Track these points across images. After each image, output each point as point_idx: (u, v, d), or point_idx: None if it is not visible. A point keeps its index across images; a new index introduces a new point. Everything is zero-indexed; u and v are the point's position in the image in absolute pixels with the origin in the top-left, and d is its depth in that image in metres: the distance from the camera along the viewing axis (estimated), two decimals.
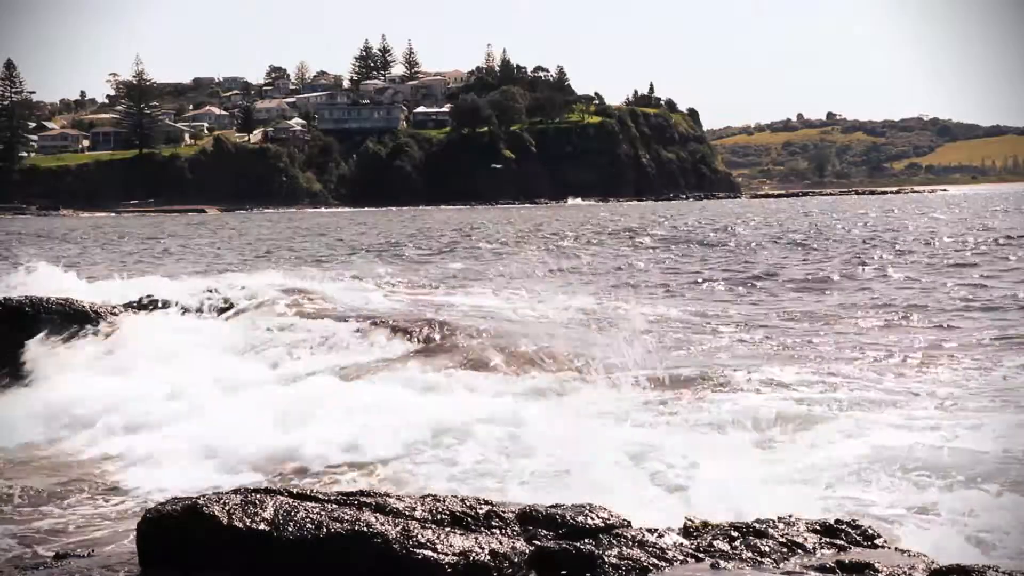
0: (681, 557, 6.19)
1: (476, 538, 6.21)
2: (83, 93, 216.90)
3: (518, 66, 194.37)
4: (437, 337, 14.24)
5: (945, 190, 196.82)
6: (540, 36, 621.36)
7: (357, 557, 6.03)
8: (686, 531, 6.59)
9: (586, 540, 6.22)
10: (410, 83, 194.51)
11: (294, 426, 10.11)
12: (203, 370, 12.52)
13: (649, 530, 6.51)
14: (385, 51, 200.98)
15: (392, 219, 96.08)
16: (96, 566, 6.63)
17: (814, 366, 13.07)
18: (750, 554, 6.25)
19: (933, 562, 6.04)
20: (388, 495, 6.62)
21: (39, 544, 7.40)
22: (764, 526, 6.58)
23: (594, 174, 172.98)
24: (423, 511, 6.39)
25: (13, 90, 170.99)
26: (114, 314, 14.68)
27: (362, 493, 6.60)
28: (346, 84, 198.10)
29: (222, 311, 15.97)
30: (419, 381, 12.03)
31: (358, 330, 14.51)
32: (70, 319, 14.22)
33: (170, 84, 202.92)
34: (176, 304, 16.06)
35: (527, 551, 6.16)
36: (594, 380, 11.58)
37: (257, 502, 6.26)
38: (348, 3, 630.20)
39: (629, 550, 6.15)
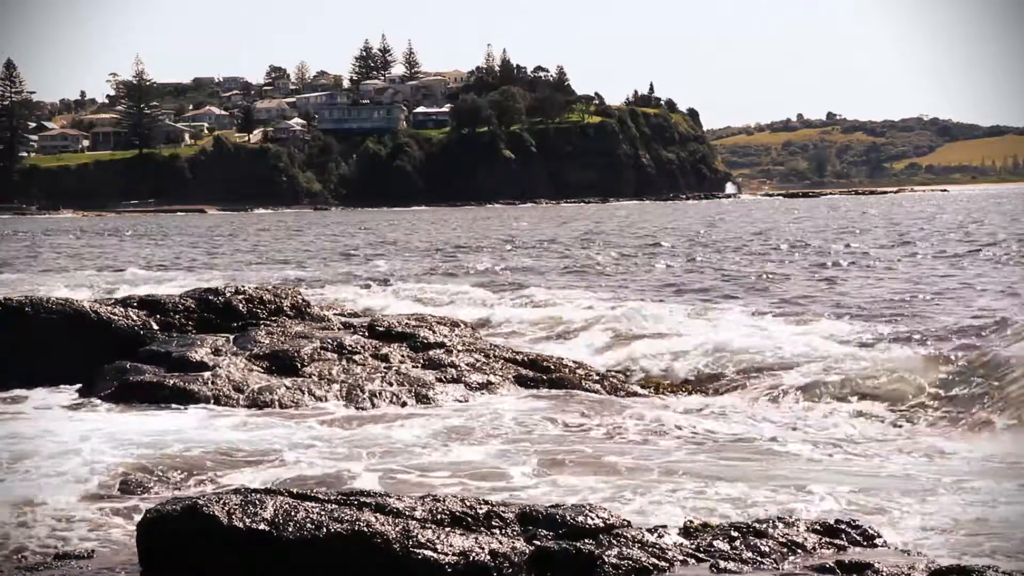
0: (681, 557, 6.19)
1: (476, 538, 6.21)
2: (83, 93, 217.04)
3: (518, 66, 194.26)
4: None
5: (945, 190, 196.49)
6: (540, 36, 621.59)
7: (357, 557, 6.03)
8: (686, 531, 6.59)
9: (586, 540, 6.22)
10: (410, 83, 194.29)
11: None
12: None
13: (649, 530, 6.51)
14: (385, 51, 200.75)
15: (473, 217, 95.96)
16: (96, 566, 6.63)
17: None
18: (750, 554, 6.25)
19: (933, 562, 6.04)
20: (388, 495, 6.62)
21: (39, 544, 7.39)
22: (764, 526, 6.58)
23: (594, 174, 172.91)
24: (423, 511, 6.39)
25: (13, 90, 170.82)
26: None
27: (362, 493, 6.60)
28: (346, 84, 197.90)
29: None
30: None
31: None
32: None
33: (170, 84, 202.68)
34: None
35: (527, 551, 6.16)
36: None
37: (257, 502, 6.26)
38: (348, 3, 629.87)
39: (629, 550, 6.15)
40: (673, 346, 15.41)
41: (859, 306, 20.26)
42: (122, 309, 14.93)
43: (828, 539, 6.52)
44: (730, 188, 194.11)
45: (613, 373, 14.36)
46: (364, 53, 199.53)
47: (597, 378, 13.74)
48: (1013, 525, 7.23)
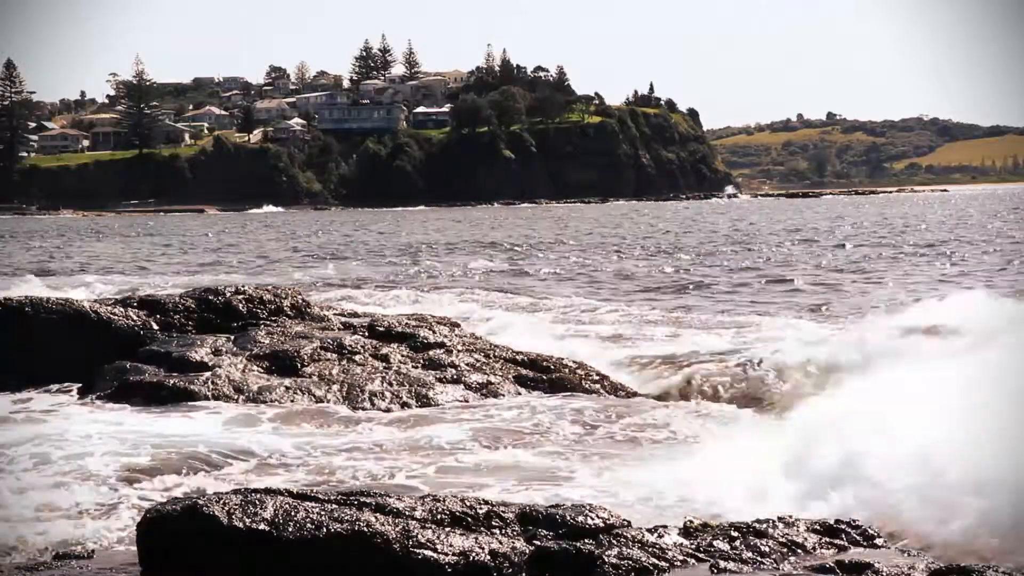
0: (681, 557, 6.20)
1: (476, 538, 6.21)
2: (83, 93, 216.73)
3: (518, 66, 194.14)
4: None
5: (945, 190, 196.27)
6: (540, 36, 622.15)
7: (357, 557, 6.03)
8: (686, 531, 6.59)
9: (586, 540, 6.22)
10: (410, 83, 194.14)
11: None
12: None
13: (649, 530, 6.51)
14: (385, 51, 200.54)
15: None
16: (96, 566, 6.63)
17: None
18: (750, 554, 6.25)
19: (933, 562, 6.04)
20: (388, 495, 6.62)
21: (40, 544, 7.39)
22: (764, 526, 6.58)
23: (594, 174, 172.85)
24: (423, 511, 6.39)
25: (13, 90, 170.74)
26: None
27: (362, 493, 6.60)
28: (346, 84, 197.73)
29: None
30: None
31: None
32: None
33: (170, 84, 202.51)
34: None
35: (527, 551, 6.16)
36: None
37: (257, 502, 6.26)
38: (348, 3, 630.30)
39: (629, 550, 6.15)
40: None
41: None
42: (122, 309, 14.92)
43: (828, 539, 6.52)
44: (729, 189, 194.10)
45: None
46: (364, 53, 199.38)
47: (597, 379, 13.74)
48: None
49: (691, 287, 25.75)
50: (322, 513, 6.19)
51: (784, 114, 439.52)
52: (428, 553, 6.02)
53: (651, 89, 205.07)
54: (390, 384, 12.98)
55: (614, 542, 6.24)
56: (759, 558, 6.21)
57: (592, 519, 6.48)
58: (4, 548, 7.24)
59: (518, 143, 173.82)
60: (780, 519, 6.73)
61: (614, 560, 6.02)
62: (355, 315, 16.96)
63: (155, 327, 14.64)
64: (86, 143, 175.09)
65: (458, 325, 15.78)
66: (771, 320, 18.21)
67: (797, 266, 31.62)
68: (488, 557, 6.08)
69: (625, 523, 6.56)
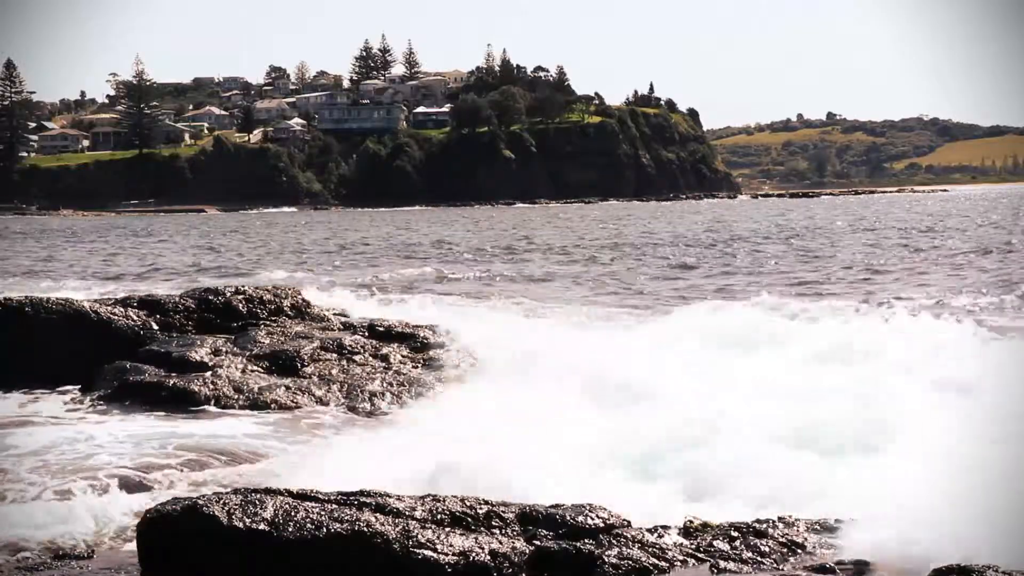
0: (681, 557, 6.19)
1: (476, 538, 6.21)
2: (83, 93, 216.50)
3: (518, 66, 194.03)
4: None
5: (945, 190, 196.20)
6: (540, 36, 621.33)
7: (357, 557, 6.03)
8: (686, 531, 6.59)
9: (586, 540, 6.22)
10: (410, 83, 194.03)
11: None
12: None
13: (649, 530, 6.50)
14: (385, 51, 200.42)
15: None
16: (96, 566, 6.63)
17: None
18: (750, 554, 6.25)
19: (933, 562, 6.04)
20: (388, 495, 6.61)
21: (41, 544, 7.38)
22: (764, 526, 6.58)
23: (594, 174, 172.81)
24: (423, 511, 6.38)
25: (13, 90, 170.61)
26: None
27: (362, 493, 6.59)
28: (346, 84, 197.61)
29: None
30: None
31: None
32: None
33: (170, 84, 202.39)
34: None
35: (527, 551, 6.16)
36: None
37: (257, 502, 6.26)
38: (348, 3, 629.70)
39: (629, 550, 6.15)
40: None
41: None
42: (122, 309, 14.92)
43: (828, 539, 6.52)
44: (727, 191, 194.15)
45: None
46: (364, 53, 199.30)
47: None
48: None
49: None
50: (322, 513, 6.19)
51: (784, 114, 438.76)
52: (428, 553, 6.02)
53: (651, 89, 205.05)
54: (390, 384, 12.98)
55: (614, 542, 6.24)
56: (759, 558, 6.21)
57: (592, 519, 6.48)
58: (6, 548, 7.24)
59: (518, 143, 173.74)
60: (780, 519, 6.72)
61: (614, 560, 6.01)
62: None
63: (155, 327, 14.64)
64: (86, 143, 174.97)
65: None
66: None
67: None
68: (488, 557, 6.08)
69: (625, 523, 6.56)
